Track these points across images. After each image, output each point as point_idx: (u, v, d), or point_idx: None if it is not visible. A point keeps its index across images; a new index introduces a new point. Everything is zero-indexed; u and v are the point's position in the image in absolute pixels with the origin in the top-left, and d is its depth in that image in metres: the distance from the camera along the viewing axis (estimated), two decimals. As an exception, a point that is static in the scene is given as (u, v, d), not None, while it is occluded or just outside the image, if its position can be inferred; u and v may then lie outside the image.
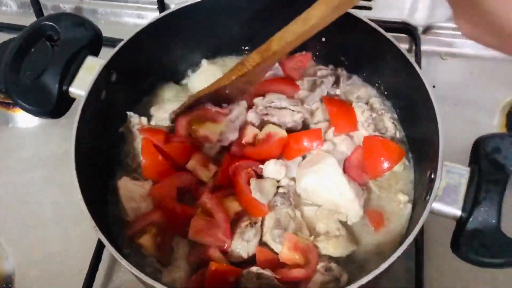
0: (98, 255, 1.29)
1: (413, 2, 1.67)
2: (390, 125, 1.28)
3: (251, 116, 1.30)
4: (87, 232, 1.33)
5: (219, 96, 1.23)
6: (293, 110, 1.28)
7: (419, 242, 1.28)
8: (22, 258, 1.37)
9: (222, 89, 1.19)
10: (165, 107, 1.34)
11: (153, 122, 1.33)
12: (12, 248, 1.38)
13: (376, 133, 1.26)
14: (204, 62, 1.45)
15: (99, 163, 1.23)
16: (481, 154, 1.04)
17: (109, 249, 0.99)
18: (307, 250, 1.11)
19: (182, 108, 1.26)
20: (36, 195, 1.47)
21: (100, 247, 1.30)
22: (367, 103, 1.33)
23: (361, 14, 1.24)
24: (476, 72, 1.65)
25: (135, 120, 1.30)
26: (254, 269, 1.07)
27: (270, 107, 1.29)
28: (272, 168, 1.21)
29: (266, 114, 1.29)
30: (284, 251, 1.10)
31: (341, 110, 1.30)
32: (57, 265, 1.35)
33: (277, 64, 1.39)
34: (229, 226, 1.13)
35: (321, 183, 1.17)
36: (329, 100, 1.33)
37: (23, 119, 1.61)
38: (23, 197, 1.47)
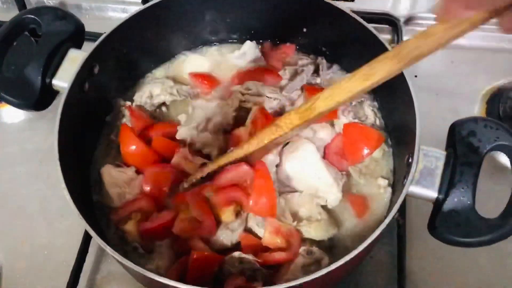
0: (84, 247, 1.30)
1: (396, -6, 1.69)
2: (370, 113, 1.30)
3: None
4: (74, 225, 1.36)
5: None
6: (269, 97, 1.30)
7: (401, 227, 1.30)
8: (9, 251, 1.37)
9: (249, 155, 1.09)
10: (148, 90, 1.37)
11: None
12: (-1, 241, 1.39)
13: (356, 121, 1.29)
14: (188, 53, 1.48)
15: (83, 152, 1.25)
16: (457, 137, 1.06)
17: (94, 237, 1.00)
18: (289, 234, 1.13)
19: (193, 181, 1.19)
20: (22, 189, 1.48)
21: (86, 239, 1.31)
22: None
23: (344, 6, 1.26)
24: (457, 62, 1.67)
25: (121, 103, 1.34)
26: (237, 254, 1.09)
27: (248, 94, 1.31)
28: (271, 161, 1.21)
29: (244, 102, 1.31)
30: (266, 236, 1.12)
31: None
32: (44, 258, 1.36)
33: (260, 55, 1.42)
34: (214, 223, 1.14)
35: (301, 169, 1.19)
36: (310, 88, 1.35)
37: (8, 114, 1.61)
38: (9, 191, 1.48)
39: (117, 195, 1.21)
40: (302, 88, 1.36)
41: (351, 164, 1.26)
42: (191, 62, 1.46)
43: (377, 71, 0.71)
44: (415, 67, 1.61)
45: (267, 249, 1.13)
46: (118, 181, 1.21)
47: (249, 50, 1.41)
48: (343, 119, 1.29)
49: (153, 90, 1.37)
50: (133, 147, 1.24)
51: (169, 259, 1.13)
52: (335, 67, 1.43)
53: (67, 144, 1.11)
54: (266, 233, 1.12)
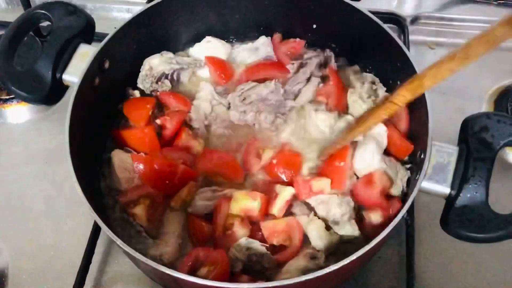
0: (91, 248, 1.29)
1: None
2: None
3: (234, 114, 1.33)
4: (80, 225, 1.35)
5: None
6: (264, 83, 1.32)
7: (409, 227, 1.29)
8: (16, 252, 1.36)
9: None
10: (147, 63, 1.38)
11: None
12: (6, 242, 1.38)
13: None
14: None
15: (94, 142, 1.26)
16: (469, 133, 1.06)
17: (102, 228, 0.99)
18: (288, 229, 1.14)
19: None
20: (28, 190, 1.47)
21: (93, 239, 1.30)
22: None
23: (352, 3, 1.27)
24: (464, 61, 1.67)
25: (130, 92, 1.36)
26: (244, 240, 1.10)
27: (244, 91, 1.32)
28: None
29: (244, 99, 1.32)
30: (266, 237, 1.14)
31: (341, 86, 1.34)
32: (51, 258, 1.35)
33: (272, 53, 1.43)
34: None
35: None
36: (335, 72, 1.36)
37: (14, 115, 1.61)
38: (15, 192, 1.47)
39: (125, 180, 1.21)
40: (306, 79, 1.37)
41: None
42: (209, 46, 1.45)
43: (471, 54, 0.83)
44: (422, 66, 1.61)
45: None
46: (128, 165, 1.22)
47: (262, 46, 1.42)
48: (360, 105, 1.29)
49: (152, 62, 1.36)
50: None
51: (173, 248, 1.14)
52: (342, 60, 1.44)
53: (78, 138, 1.11)
54: (265, 236, 1.14)
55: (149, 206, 1.17)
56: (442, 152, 1.06)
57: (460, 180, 1.03)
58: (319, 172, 1.22)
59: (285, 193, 1.16)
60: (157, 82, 1.37)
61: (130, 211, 1.16)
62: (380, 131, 1.22)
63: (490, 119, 1.06)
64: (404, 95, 1.01)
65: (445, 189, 1.04)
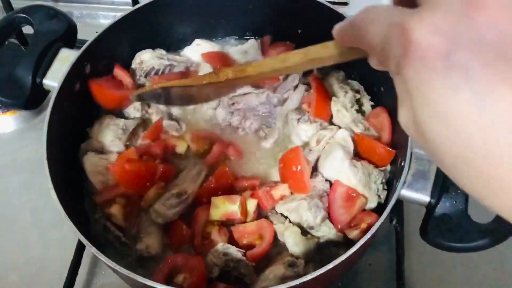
0: (77, 259, 1.27)
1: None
2: (369, 108, 1.30)
3: (220, 112, 1.32)
4: (67, 236, 1.34)
5: (185, 94, 1.20)
6: (257, 93, 1.30)
7: (399, 233, 1.28)
8: (1, 263, 1.34)
9: (190, 88, 1.17)
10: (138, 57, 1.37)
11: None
12: (-9, 253, 1.36)
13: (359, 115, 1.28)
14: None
15: (72, 146, 1.24)
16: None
17: (76, 234, 0.99)
18: (258, 229, 1.14)
19: (144, 91, 1.21)
20: (14, 200, 1.45)
21: (79, 250, 1.27)
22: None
23: (338, 10, 1.26)
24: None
25: None
26: (221, 246, 1.09)
27: (235, 96, 1.31)
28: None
29: (233, 104, 1.31)
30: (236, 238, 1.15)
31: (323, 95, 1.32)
32: (37, 270, 1.33)
33: (261, 58, 1.41)
34: None
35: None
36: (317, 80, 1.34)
37: (-1, 125, 1.60)
38: (1, 203, 1.45)
39: (101, 183, 1.19)
40: (294, 87, 1.36)
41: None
42: (199, 49, 1.44)
43: (290, 60, 0.84)
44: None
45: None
46: (101, 168, 1.20)
47: (251, 49, 1.41)
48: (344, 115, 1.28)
49: (143, 56, 1.36)
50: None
51: (157, 236, 1.13)
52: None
53: (58, 145, 1.11)
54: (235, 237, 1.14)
55: (125, 205, 1.16)
56: (423, 160, 1.05)
57: (439, 189, 1.02)
58: (281, 179, 1.22)
59: (250, 205, 1.17)
60: (145, 76, 1.36)
61: (106, 211, 1.15)
62: (344, 136, 1.22)
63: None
64: (227, 73, 1.02)
65: (425, 197, 1.03)
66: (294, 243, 1.12)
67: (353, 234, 1.12)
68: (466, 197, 1.02)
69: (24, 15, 1.22)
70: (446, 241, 1.01)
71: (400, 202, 1.24)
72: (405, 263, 1.24)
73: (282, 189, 1.18)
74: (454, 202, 1.02)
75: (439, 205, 1.02)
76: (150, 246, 1.11)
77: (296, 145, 1.25)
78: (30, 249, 1.36)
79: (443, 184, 1.03)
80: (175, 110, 1.35)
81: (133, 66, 1.37)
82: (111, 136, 1.24)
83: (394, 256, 1.27)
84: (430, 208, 1.04)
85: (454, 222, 1.01)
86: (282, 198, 1.17)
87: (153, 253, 1.11)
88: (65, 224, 0.99)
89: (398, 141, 1.14)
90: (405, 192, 1.04)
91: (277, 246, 1.16)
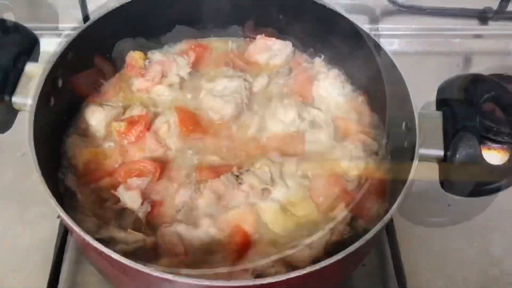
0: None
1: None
2: (349, 92, 1.33)
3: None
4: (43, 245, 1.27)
5: None
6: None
7: (389, 227, 1.28)
8: None
9: None
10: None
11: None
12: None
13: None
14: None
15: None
16: (448, 96, 1.09)
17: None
18: None
19: None
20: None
21: (57, 263, 1.21)
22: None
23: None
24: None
25: None
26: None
27: None
28: None
29: None
30: None
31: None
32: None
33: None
34: None
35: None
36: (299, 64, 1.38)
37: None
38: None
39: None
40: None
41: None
42: None
43: None
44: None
45: None
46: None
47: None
48: None
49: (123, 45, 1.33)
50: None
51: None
52: (309, 51, 1.43)
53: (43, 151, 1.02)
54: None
55: None
56: (428, 118, 1.07)
57: (453, 140, 1.03)
58: None
59: None
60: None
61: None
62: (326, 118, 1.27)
63: (465, 79, 1.10)
64: None
65: (440, 152, 1.04)
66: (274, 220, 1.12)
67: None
68: (479, 142, 1.02)
69: (-21, 30, 1.09)
70: (472, 187, 1.02)
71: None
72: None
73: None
74: (469, 149, 1.02)
75: (456, 156, 1.02)
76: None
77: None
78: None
79: (454, 135, 1.04)
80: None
81: (113, 55, 1.32)
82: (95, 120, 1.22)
83: (387, 253, 1.28)
84: (447, 160, 1.04)
85: (474, 168, 1.02)
86: None
87: None
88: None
89: (398, 104, 1.15)
90: (421, 151, 1.04)
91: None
